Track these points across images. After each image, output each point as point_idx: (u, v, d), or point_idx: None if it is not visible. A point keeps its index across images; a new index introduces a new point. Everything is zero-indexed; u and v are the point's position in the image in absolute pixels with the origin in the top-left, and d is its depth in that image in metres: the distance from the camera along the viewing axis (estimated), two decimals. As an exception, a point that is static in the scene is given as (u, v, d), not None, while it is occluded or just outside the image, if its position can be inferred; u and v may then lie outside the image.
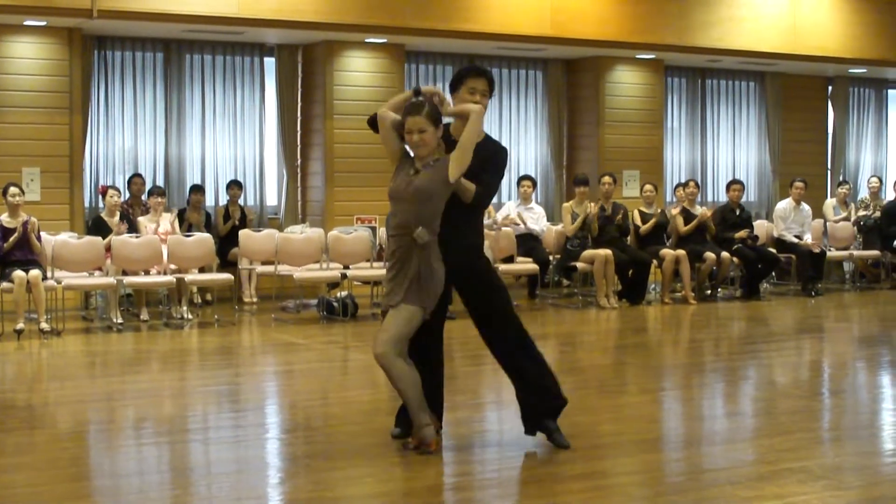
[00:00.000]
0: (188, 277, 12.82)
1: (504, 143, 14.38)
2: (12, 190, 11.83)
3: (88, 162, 14.51)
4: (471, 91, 6.70)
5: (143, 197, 14.10)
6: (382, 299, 6.67)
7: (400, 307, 6.41)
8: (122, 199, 13.37)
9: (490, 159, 6.72)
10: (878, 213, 16.95)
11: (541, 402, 6.75)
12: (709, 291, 15.16)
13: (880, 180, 18.06)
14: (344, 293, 13.20)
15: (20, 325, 11.41)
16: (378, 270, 13.33)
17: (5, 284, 11.53)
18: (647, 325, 13.24)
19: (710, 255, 14.71)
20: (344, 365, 10.76)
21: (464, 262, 6.66)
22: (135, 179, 14.26)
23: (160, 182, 14.75)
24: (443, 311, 6.76)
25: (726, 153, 18.62)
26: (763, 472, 6.25)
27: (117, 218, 12.94)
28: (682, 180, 16.43)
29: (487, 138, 6.84)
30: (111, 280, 12.27)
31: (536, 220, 14.75)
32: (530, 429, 6.81)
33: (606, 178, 14.64)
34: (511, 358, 6.78)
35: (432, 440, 6.52)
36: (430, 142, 6.47)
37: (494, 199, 16.20)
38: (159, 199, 13.35)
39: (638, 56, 16.86)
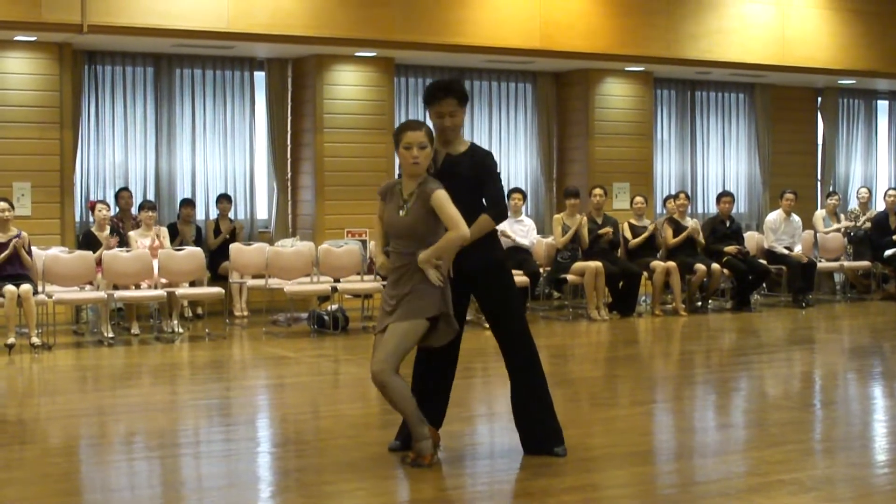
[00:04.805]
0: (179, 291, 12.81)
1: (494, 156, 14.48)
2: (1, 205, 11.82)
3: (79, 176, 14.51)
4: (438, 115, 6.74)
5: (133, 210, 14.11)
6: (378, 318, 6.70)
7: (398, 324, 6.44)
8: (111, 214, 13.39)
9: (484, 167, 6.80)
10: (868, 224, 16.99)
11: (537, 426, 6.82)
12: (699, 303, 15.18)
13: (870, 191, 18.11)
14: (335, 306, 13.19)
15: (11, 340, 11.39)
16: (369, 283, 13.34)
17: (-4, 299, 11.52)
18: (637, 338, 13.25)
19: (700, 266, 14.73)
20: (335, 378, 10.75)
21: (480, 267, 6.73)
22: (122, 193, 14.27)
23: (151, 196, 14.74)
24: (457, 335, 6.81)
25: (716, 165, 18.65)
26: (754, 484, 6.25)
27: (107, 232, 12.94)
28: (672, 192, 16.47)
29: (474, 147, 6.90)
30: (102, 294, 12.27)
31: (526, 232, 14.75)
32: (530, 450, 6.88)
33: (598, 191, 14.67)
34: (518, 373, 6.85)
35: (428, 454, 6.52)
36: (427, 158, 6.52)
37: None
38: (150, 214, 13.35)
39: (627, 68, 16.90)
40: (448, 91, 6.75)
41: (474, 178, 6.75)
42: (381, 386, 6.44)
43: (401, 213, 6.53)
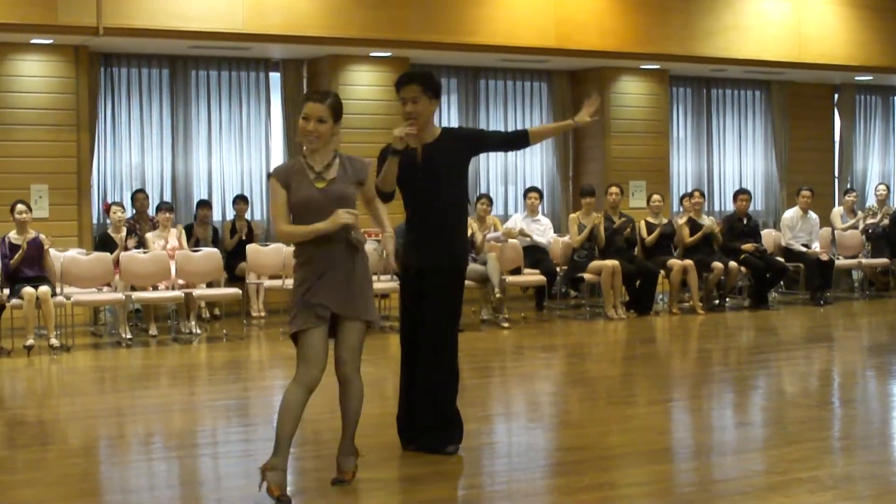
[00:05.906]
0: (196, 292, 12.84)
1: (510, 154, 14.68)
2: (19, 207, 11.88)
3: (96, 178, 14.56)
4: (402, 101, 6.94)
5: (150, 212, 14.14)
6: (339, 308, 6.22)
7: (358, 323, 6.13)
8: (127, 215, 13.44)
9: (469, 133, 7.49)
10: (885, 221, 16.92)
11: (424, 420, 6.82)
12: (717, 301, 15.13)
13: (888, 188, 18.05)
14: (352, 306, 13.16)
15: (30, 342, 11.44)
16: (386, 283, 13.34)
17: (15, 301, 11.57)
18: (655, 336, 13.23)
19: (717, 264, 14.70)
20: (352, 378, 10.74)
21: (439, 267, 6.75)
22: (138, 195, 14.28)
23: (167, 198, 14.78)
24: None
25: (733, 162, 18.61)
26: (773, 483, 6.23)
27: (123, 234, 12.99)
28: (689, 190, 16.44)
29: (446, 128, 7.14)
30: (120, 296, 12.30)
31: (543, 231, 14.75)
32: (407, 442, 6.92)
33: (614, 189, 14.65)
34: (428, 375, 6.77)
35: (274, 485, 5.87)
36: (325, 134, 6.28)
37: (501, 212, 16.26)
38: (167, 215, 13.37)
39: (643, 66, 16.87)
40: (412, 78, 6.96)
41: (464, 151, 7.01)
42: (351, 387, 6.13)
43: (318, 185, 6.21)
